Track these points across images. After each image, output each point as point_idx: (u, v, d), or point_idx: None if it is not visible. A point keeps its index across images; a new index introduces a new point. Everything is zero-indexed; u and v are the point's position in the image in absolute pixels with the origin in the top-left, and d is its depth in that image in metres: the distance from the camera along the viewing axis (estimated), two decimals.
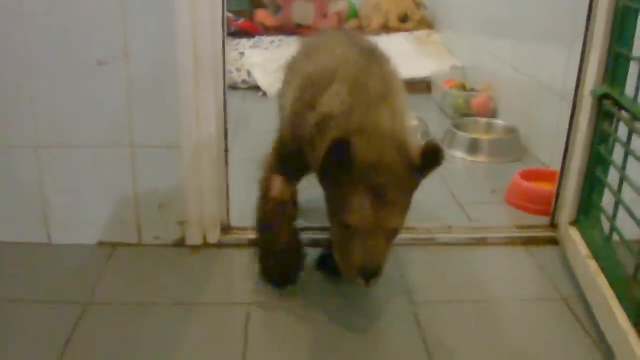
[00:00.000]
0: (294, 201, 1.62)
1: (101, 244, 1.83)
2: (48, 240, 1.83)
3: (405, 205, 1.36)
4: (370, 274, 1.30)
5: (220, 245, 1.83)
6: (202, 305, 1.57)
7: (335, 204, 1.35)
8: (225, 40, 1.73)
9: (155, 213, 1.79)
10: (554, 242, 1.88)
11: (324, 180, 1.39)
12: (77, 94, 1.69)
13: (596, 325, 1.49)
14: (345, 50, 1.55)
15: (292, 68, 1.73)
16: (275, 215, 1.60)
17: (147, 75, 1.68)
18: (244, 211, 1.87)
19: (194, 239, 1.81)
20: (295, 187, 1.62)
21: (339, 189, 1.33)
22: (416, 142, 1.38)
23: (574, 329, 1.52)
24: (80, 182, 1.77)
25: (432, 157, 1.32)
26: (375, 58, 1.54)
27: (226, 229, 1.85)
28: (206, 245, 1.82)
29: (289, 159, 1.56)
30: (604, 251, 1.58)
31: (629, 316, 1.36)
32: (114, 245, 1.82)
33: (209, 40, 1.67)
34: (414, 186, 1.37)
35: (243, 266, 1.75)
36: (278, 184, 1.57)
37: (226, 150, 1.79)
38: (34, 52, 1.66)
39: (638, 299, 1.32)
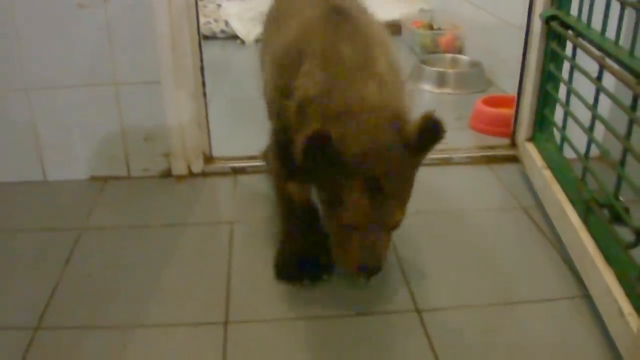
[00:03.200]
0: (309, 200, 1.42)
1: (93, 178, 1.86)
2: (43, 178, 1.87)
3: (406, 194, 1.17)
4: (371, 271, 1.16)
5: (204, 174, 1.87)
6: (189, 225, 1.62)
7: (328, 201, 1.17)
8: None
9: (141, 146, 1.82)
10: (514, 159, 1.94)
11: (309, 176, 1.22)
12: (61, 37, 1.70)
13: (552, 227, 1.56)
14: (311, 12, 1.31)
15: (266, 33, 1.59)
16: (302, 221, 1.41)
17: (125, 17, 1.69)
18: (226, 142, 1.91)
19: (179, 169, 1.85)
20: (310, 187, 1.40)
21: (330, 184, 1.14)
22: (411, 111, 1.18)
23: (533, 232, 1.58)
24: (70, 121, 1.80)
25: (430, 132, 1.11)
26: (344, 16, 1.27)
27: (208, 159, 1.89)
28: (191, 174, 1.86)
29: (287, 155, 1.25)
30: (556, 161, 1.64)
31: (579, 215, 1.42)
32: (105, 179, 1.86)
33: None
34: (414, 169, 1.18)
35: (226, 191, 1.79)
36: (291, 190, 1.39)
37: (203, 84, 1.81)
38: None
39: (586, 199, 1.38)
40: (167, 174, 1.86)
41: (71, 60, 1.73)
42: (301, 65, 1.21)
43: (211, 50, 3.21)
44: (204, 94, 1.82)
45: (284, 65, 1.28)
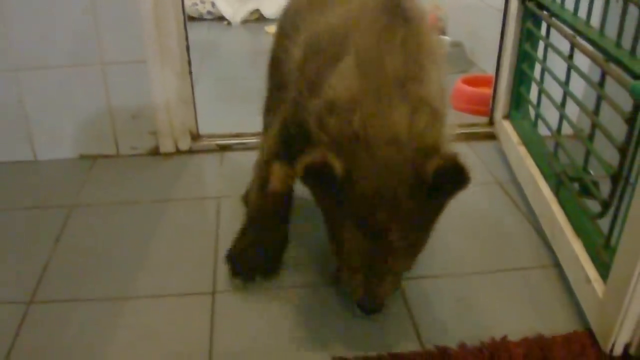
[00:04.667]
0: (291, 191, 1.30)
1: (82, 156, 1.88)
2: (33, 157, 1.88)
3: (418, 243, 1.02)
4: (370, 311, 1.09)
5: (191, 152, 1.89)
6: (177, 200, 1.64)
7: (330, 230, 1.03)
8: None
9: (129, 125, 1.84)
10: (491, 137, 1.97)
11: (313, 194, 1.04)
12: (47, 18, 1.70)
13: (525, 201, 1.60)
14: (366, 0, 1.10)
15: (293, 15, 1.29)
16: (272, 213, 1.31)
17: None
18: (212, 120, 1.93)
19: (167, 146, 1.87)
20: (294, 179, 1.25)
21: (330, 217, 1.01)
22: (444, 145, 0.99)
23: (507, 205, 1.62)
24: (58, 101, 1.80)
25: (450, 178, 0.93)
26: (401, 17, 1.05)
27: (195, 136, 1.91)
28: (178, 152, 1.88)
29: (293, 144, 1.16)
30: (531, 137, 1.68)
31: (551, 188, 1.46)
32: (94, 157, 1.87)
33: None
34: (432, 215, 1.01)
35: (212, 168, 1.82)
36: (278, 172, 1.26)
37: (189, 64, 1.82)
38: None
39: (558, 173, 1.42)
40: (154, 152, 1.88)
41: (58, 41, 1.73)
42: (341, 57, 1.02)
43: (198, 31, 3.20)
44: (190, 73, 1.83)
45: (323, 50, 1.08)
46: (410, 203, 0.94)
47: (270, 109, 1.48)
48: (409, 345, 1.14)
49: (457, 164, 0.92)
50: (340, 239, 0.99)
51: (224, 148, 1.89)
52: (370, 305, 1.06)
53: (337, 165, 0.92)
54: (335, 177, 0.92)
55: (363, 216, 0.94)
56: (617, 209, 1.14)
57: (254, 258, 1.30)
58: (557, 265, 1.34)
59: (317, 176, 0.94)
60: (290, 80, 1.19)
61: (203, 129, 1.92)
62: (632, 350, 1.09)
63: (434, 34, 1.17)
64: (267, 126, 1.49)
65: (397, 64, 0.99)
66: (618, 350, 1.10)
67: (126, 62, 1.76)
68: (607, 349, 1.10)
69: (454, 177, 0.93)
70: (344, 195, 0.94)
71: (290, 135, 1.17)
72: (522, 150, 1.68)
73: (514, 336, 1.15)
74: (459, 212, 1.59)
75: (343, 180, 0.93)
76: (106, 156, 1.88)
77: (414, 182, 0.93)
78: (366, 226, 0.94)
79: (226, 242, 1.41)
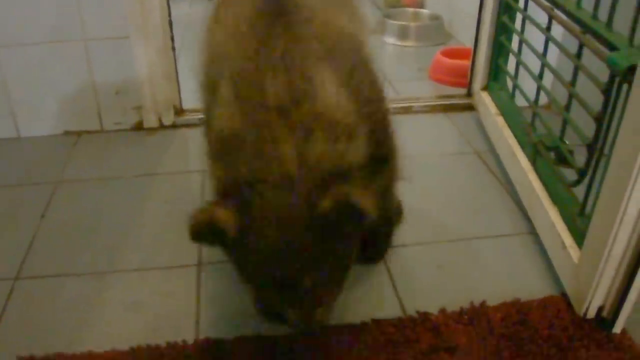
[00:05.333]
0: None
1: (67, 132, 1.85)
2: (17, 134, 1.85)
3: (336, 280, 0.89)
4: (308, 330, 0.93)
5: (174, 126, 1.88)
6: (162, 175, 1.63)
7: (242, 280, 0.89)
8: None
9: (113, 101, 1.82)
10: (470, 108, 1.97)
11: None
12: None
13: (503, 170, 1.61)
14: (242, 7, 0.95)
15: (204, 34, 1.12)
16: None
17: None
18: (196, 95, 1.90)
19: (150, 121, 1.85)
20: None
21: (237, 270, 0.88)
22: (342, 177, 0.83)
23: (485, 175, 1.63)
24: (41, 78, 1.77)
25: (344, 215, 0.79)
26: (282, 14, 0.90)
27: (179, 111, 1.89)
28: (162, 126, 1.87)
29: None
30: (508, 108, 1.68)
31: (528, 157, 1.47)
32: (78, 133, 1.85)
33: None
34: (343, 251, 0.86)
35: (196, 142, 1.80)
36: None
37: (172, 39, 1.80)
38: None
39: (534, 142, 1.43)
40: (138, 127, 1.86)
41: (40, 17, 1.69)
42: (219, 88, 0.89)
43: (180, 8, 3.15)
44: (173, 48, 1.81)
45: (208, 79, 0.96)
46: (313, 249, 0.80)
47: None
48: (392, 312, 1.15)
49: (349, 204, 0.78)
50: (251, 289, 0.90)
51: None
52: (308, 329, 0.90)
53: (228, 224, 0.79)
54: (225, 236, 0.80)
55: (267, 270, 0.82)
56: (593, 177, 1.15)
57: None
58: (534, 232, 1.36)
59: (209, 235, 0.81)
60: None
61: (186, 104, 1.90)
62: (605, 313, 1.11)
63: (330, 28, 0.94)
64: None
65: (279, 86, 0.83)
66: (592, 314, 1.12)
67: (109, 37, 1.73)
68: (581, 312, 1.12)
69: (348, 217, 0.79)
70: (241, 253, 0.83)
71: None
72: (500, 120, 1.68)
73: (492, 301, 1.16)
74: (438, 181, 1.61)
75: (237, 239, 0.80)
76: (90, 132, 1.85)
77: (311, 226, 0.79)
78: (274, 280, 0.82)
79: None
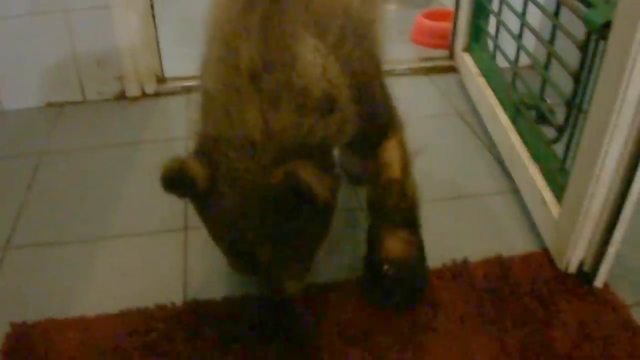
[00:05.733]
0: None
1: (49, 104, 1.84)
2: (0, 108, 1.83)
3: (298, 254, 0.87)
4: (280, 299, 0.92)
5: (157, 95, 1.87)
6: (146, 142, 1.63)
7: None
8: None
9: (95, 71, 1.80)
10: (451, 69, 1.97)
11: None
12: None
13: (485, 130, 1.62)
14: None
15: None
16: None
17: None
18: (177, 63, 1.89)
19: (133, 91, 1.83)
20: None
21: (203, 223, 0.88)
22: (304, 150, 0.81)
23: (467, 134, 1.64)
24: (22, 50, 1.75)
25: (291, 196, 0.77)
26: None
27: (161, 79, 1.88)
28: (144, 95, 1.85)
29: None
30: (489, 68, 1.69)
31: (509, 116, 1.48)
32: (61, 105, 1.84)
33: None
34: (303, 226, 0.83)
35: (179, 109, 1.79)
36: None
37: (152, 7, 1.77)
38: None
39: (515, 101, 1.44)
40: (121, 96, 1.85)
41: None
42: (207, 51, 0.92)
43: None
44: (153, 16, 1.79)
45: (203, 42, 0.95)
46: (267, 221, 0.80)
47: None
48: None
49: (297, 179, 0.76)
50: (218, 246, 0.88)
51: (190, 90, 1.86)
52: (278, 296, 0.90)
53: (198, 175, 0.80)
54: (193, 189, 0.80)
55: (226, 235, 0.83)
56: (572, 134, 1.17)
57: None
58: (516, 191, 1.37)
59: (179, 183, 0.80)
60: None
61: (168, 72, 1.89)
62: (586, 268, 1.13)
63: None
64: None
65: (253, 51, 0.83)
66: (573, 268, 1.14)
67: (89, 7, 1.70)
68: (562, 267, 1.15)
69: (296, 194, 0.77)
70: (206, 210, 0.83)
71: None
72: (482, 81, 1.69)
73: (475, 258, 1.18)
74: (421, 143, 1.61)
75: (205, 192, 0.80)
76: (73, 103, 1.84)
77: (266, 196, 0.79)
78: (233, 245, 0.83)
79: None
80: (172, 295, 1.12)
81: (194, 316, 1.06)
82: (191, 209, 1.32)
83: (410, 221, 1.07)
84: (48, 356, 1.01)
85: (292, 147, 0.80)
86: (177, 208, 1.35)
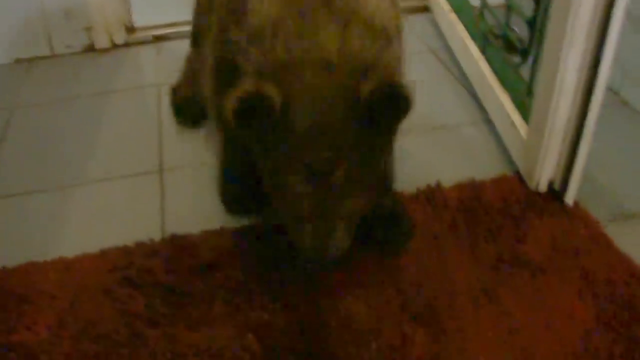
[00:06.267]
0: None
1: (18, 60, 1.81)
2: None
3: (366, 180, 0.85)
4: (322, 264, 0.97)
5: (127, 45, 1.84)
6: (118, 91, 1.62)
7: (267, 177, 0.88)
8: None
9: (62, 23, 1.77)
10: (425, 9, 1.96)
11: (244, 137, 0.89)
12: None
13: (457, 65, 1.63)
14: None
15: None
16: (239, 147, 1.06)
17: None
18: (147, 12, 1.87)
19: (102, 42, 1.81)
20: None
21: (266, 159, 0.85)
22: (382, 68, 0.83)
23: (441, 70, 1.65)
24: None
25: (387, 101, 0.78)
26: None
27: (130, 29, 1.85)
28: (114, 46, 1.83)
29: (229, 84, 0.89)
30: (460, 5, 1.69)
31: (478, 47, 1.49)
32: (29, 60, 1.80)
33: None
34: (378, 144, 0.84)
35: (149, 58, 1.78)
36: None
37: None
38: None
39: (483, 31, 1.44)
40: (90, 48, 1.82)
41: None
42: None
43: None
44: None
45: None
46: (351, 136, 0.80)
47: (197, 33, 1.35)
48: None
49: (394, 86, 0.78)
50: (279, 183, 0.84)
51: (159, 38, 1.84)
52: (321, 256, 0.87)
53: (274, 95, 0.78)
54: (271, 110, 0.78)
55: (302, 155, 0.80)
56: (536, 58, 1.18)
57: (244, 193, 1.16)
58: (488, 121, 1.39)
59: (251, 111, 0.78)
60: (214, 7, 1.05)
61: (138, 21, 1.86)
62: (556, 186, 1.15)
63: None
64: (195, 45, 1.39)
65: None
66: (543, 187, 1.17)
67: None
68: (533, 186, 1.17)
69: (392, 101, 0.78)
70: (280, 132, 0.80)
71: (224, 75, 0.95)
72: (453, 17, 1.69)
73: (449, 184, 1.20)
74: None
75: (280, 113, 0.79)
76: (42, 57, 1.81)
77: (351, 111, 0.79)
78: (307, 167, 0.80)
79: (169, 124, 1.41)
80: (151, 232, 1.13)
81: (173, 249, 1.08)
82: (167, 151, 1.35)
83: None
84: (29, 297, 1.02)
85: (365, 69, 0.81)
86: (152, 151, 1.36)
